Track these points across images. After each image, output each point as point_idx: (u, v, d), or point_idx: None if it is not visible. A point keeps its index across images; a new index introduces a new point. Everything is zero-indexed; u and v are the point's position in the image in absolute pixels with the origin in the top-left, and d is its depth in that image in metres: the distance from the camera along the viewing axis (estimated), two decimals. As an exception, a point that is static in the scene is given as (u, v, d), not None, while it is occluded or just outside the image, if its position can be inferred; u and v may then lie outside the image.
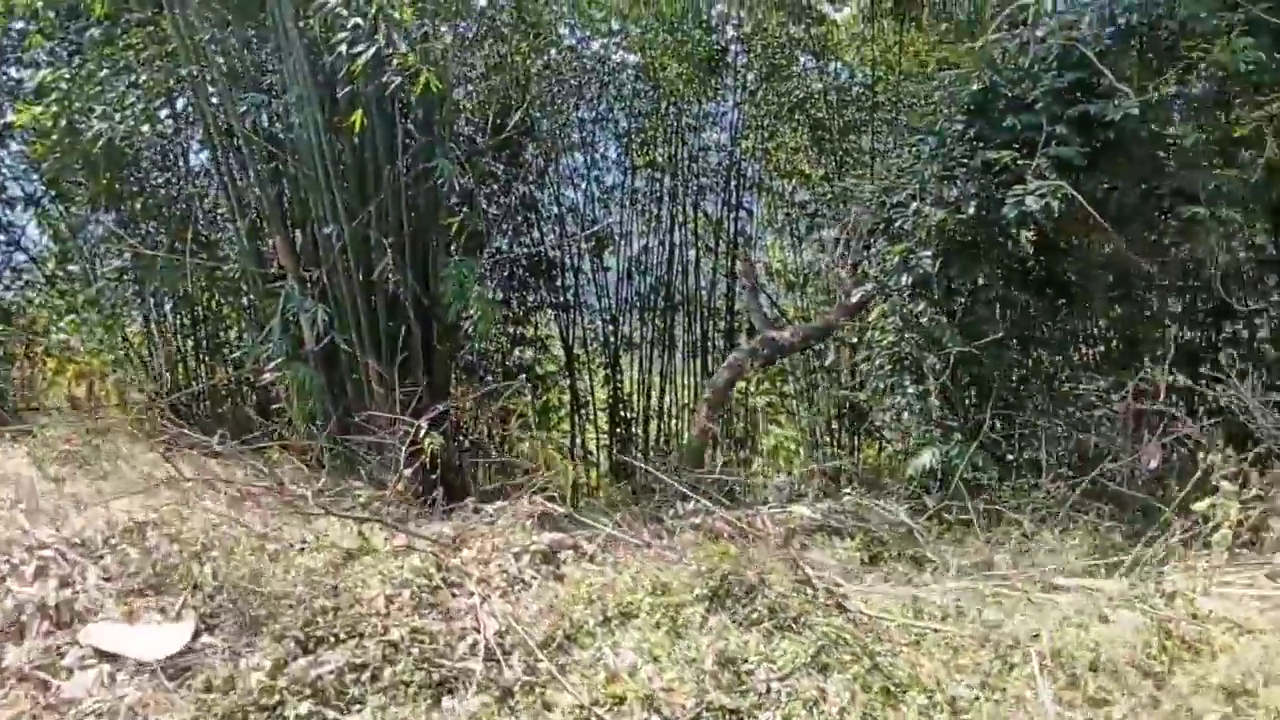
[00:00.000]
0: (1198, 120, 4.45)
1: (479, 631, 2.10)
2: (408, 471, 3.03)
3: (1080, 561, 3.61)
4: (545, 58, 8.95)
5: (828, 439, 10.38)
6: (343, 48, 5.03)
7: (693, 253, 10.11)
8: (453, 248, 7.21)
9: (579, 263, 10.08)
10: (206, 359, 9.82)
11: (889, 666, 2.09)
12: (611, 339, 10.10)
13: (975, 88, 4.11)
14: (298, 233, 7.10)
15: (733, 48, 9.74)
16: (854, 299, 4.51)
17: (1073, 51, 4.21)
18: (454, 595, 2.32)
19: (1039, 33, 4.34)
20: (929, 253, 4.16)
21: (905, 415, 4.31)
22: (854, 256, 4.67)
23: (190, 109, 8.11)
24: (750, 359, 5.73)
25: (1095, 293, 4.45)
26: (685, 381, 10.21)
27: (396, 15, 4.91)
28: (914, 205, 4.21)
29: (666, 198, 10.06)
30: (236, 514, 2.71)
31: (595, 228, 9.86)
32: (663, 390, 10.13)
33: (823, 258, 10.30)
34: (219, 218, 9.07)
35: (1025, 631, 2.19)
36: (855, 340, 4.77)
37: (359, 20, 5.01)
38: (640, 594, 2.37)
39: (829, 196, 9.83)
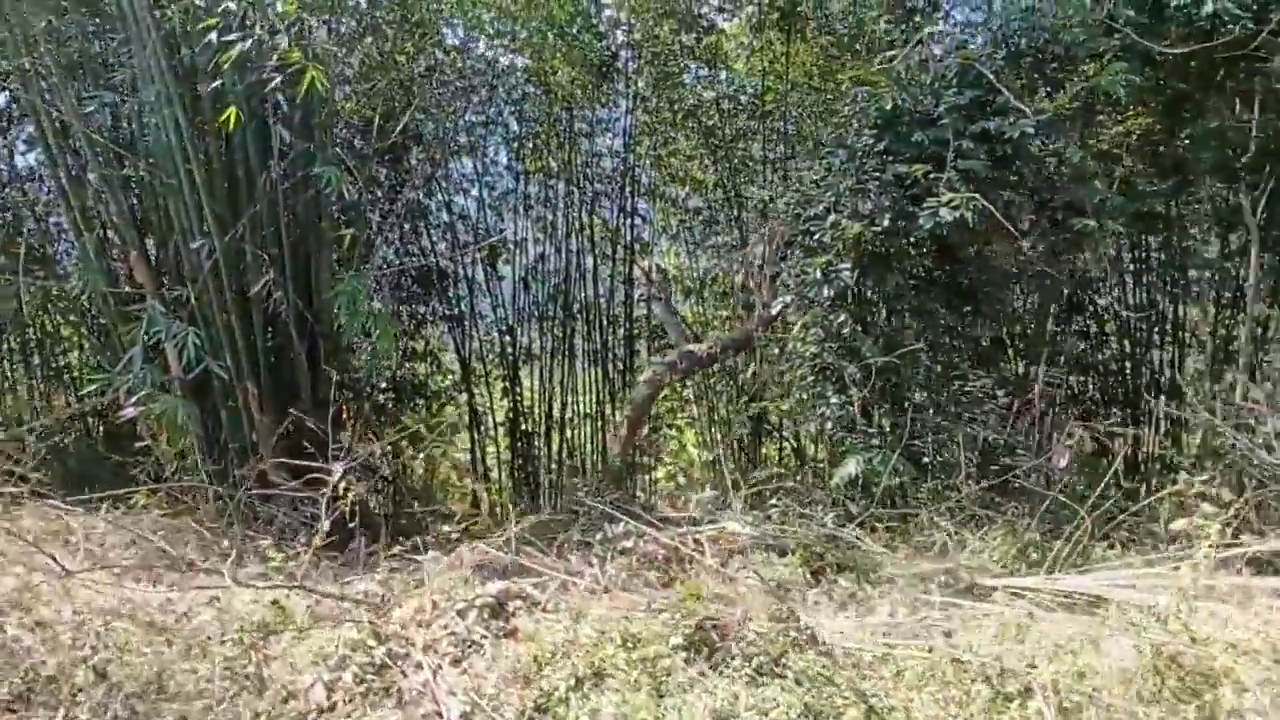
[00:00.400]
0: (1066, 137, 4.78)
1: (441, 717, 1.85)
2: (326, 524, 2.68)
3: (1005, 561, 3.77)
4: (431, 58, 8.52)
5: (727, 439, 10.55)
6: (212, 36, 4.48)
7: (590, 260, 9.95)
8: (334, 259, 6.71)
9: (472, 273, 9.70)
10: (41, 388, 8.70)
11: (884, 708, 2.03)
12: (509, 350, 9.78)
13: (889, 106, 4.21)
14: (150, 246, 6.39)
15: (623, 54, 9.66)
16: (774, 310, 4.53)
17: (970, 70, 4.41)
18: (403, 672, 2.04)
19: (936, 50, 4.52)
20: (848, 265, 4.22)
21: (829, 425, 4.36)
22: (772, 268, 4.70)
23: (14, 106, 7.11)
24: (669, 372, 5.65)
25: (994, 298, 4.70)
26: (587, 391, 10.05)
27: (279, 7, 4.43)
28: (831, 218, 4.27)
29: (561, 204, 9.86)
30: (121, 589, 2.28)
31: (491, 238, 9.51)
32: (564, 401, 9.91)
33: (718, 263, 10.49)
34: (52, 229, 8.05)
35: (1012, 657, 2.19)
36: (776, 351, 4.81)
37: (230, 5, 4.49)
38: (610, 648, 2.18)
39: (723, 202, 10.00)
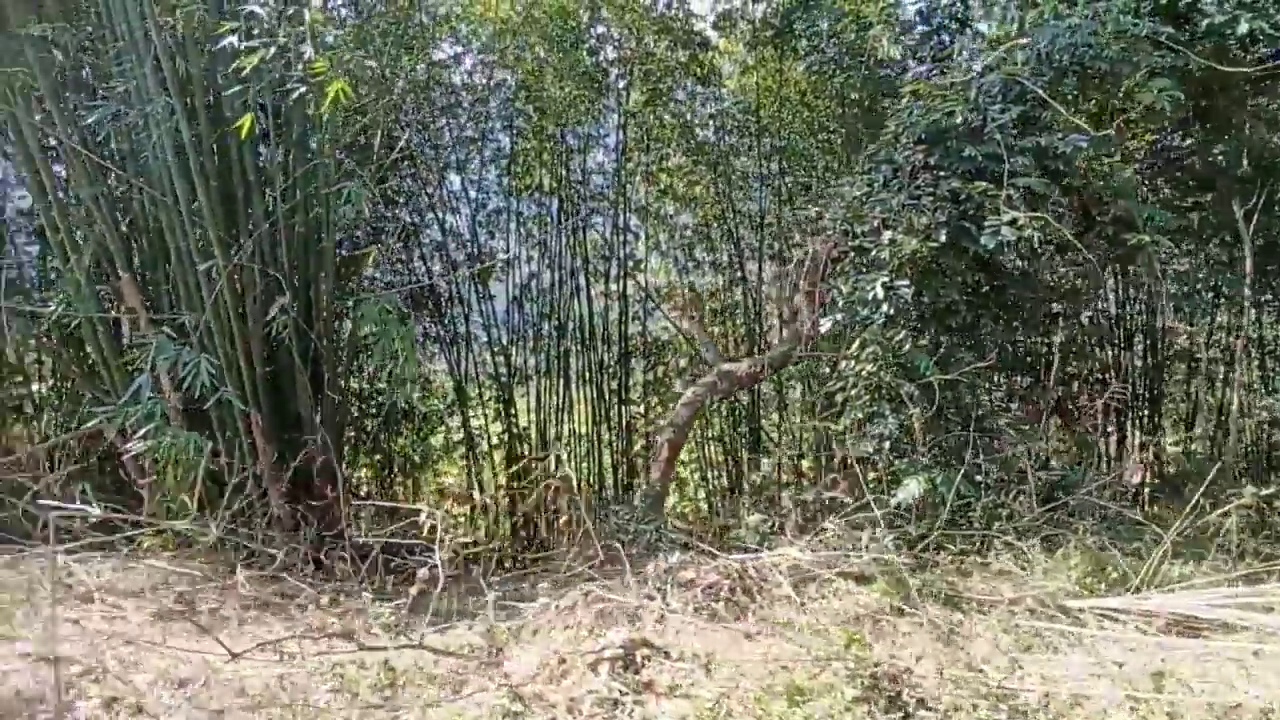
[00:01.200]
0: (1107, 153, 4.81)
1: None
2: (424, 572, 2.43)
3: (1082, 581, 3.71)
4: (423, 74, 8.29)
5: (721, 459, 10.47)
6: (231, 40, 4.20)
7: (583, 277, 9.77)
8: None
9: (464, 292, 9.44)
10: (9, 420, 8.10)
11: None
12: (503, 371, 9.52)
13: (958, 120, 4.15)
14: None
15: (614, 70, 9.57)
16: (824, 328, 4.44)
17: (1012, 87, 4.42)
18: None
19: (976, 67, 4.52)
20: (906, 282, 4.16)
21: (887, 444, 4.27)
22: (821, 286, 4.62)
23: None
24: (709, 393, 5.52)
25: (1037, 313, 4.70)
26: (581, 411, 9.85)
27: (305, 15, 4.18)
28: (887, 234, 4.21)
29: (553, 221, 9.69)
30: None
31: (483, 256, 9.28)
32: (559, 421, 9.69)
33: (714, 279, 10.42)
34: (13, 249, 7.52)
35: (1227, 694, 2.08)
36: (827, 369, 4.71)
37: (256, 9, 4.23)
38: (779, 703, 2.00)
39: (718, 218, 9.96)
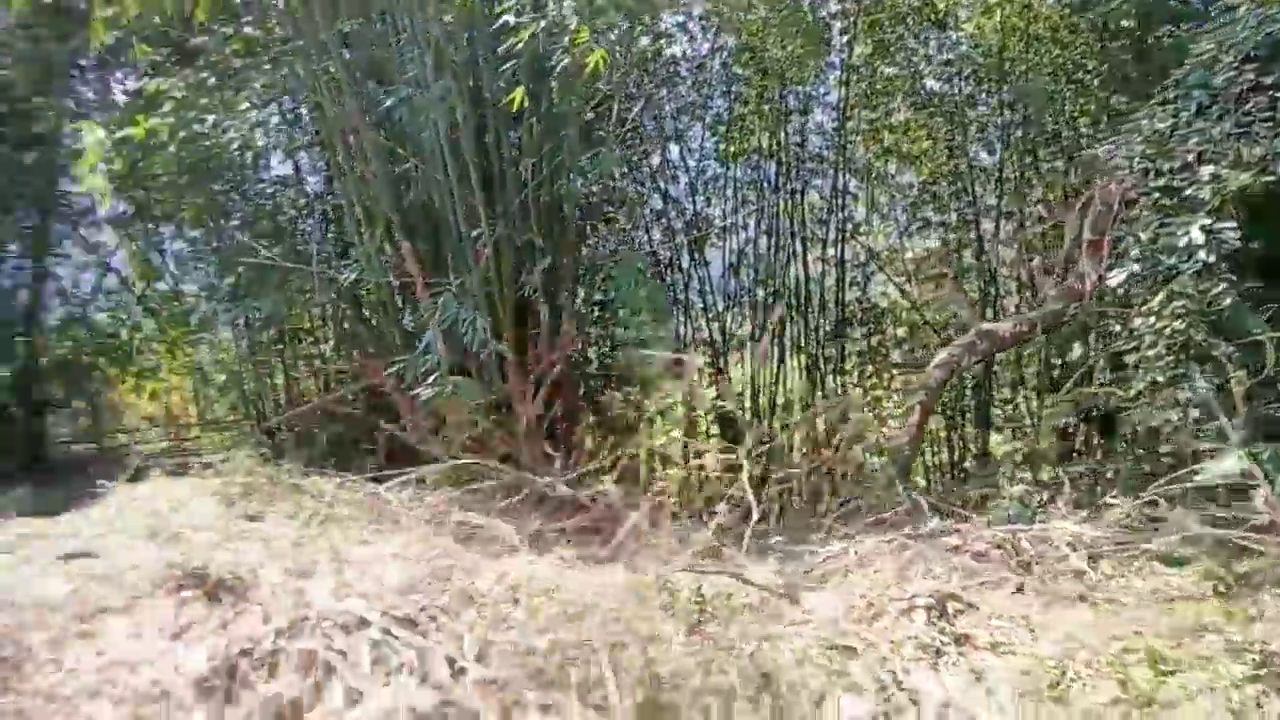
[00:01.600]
0: None
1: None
2: (725, 510, 2.52)
3: None
4: (654, 42, 8.48)
5: (944, 434, 9.84)
6: (510, 17, 4.56)
7: (799, 242, 9.53)
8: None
9: (680, 259, 9.59)
10: (301, 374, 9.48)
11: None
12: (717, 338, 9.59)
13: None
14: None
15: (835, 24, 9.15)
16: (1114, 281, 3.94)
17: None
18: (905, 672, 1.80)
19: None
20: (1231, 224, 3.58)
21: (1194, 413, 3.74)
22: (1112, 232, 4.11)
23: (290, 113, 7.69)
24: (967, 354, 5.19)
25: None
26: (794, 379, 9.68)
27: (568, -13, 4.44)
28: (1207, 169, 3.64)
29: (769, 186, 9.52)
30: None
31: (700, 223, 9.38)
32: (772, 388, 9.60)
33: (952, 239, 9.69)
34: (312, 227, 8.70)
35: None
36: (1118, 328, 4.18)
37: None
38: (1139, 670, 1.83)
39: (950, 174, 9.26)
